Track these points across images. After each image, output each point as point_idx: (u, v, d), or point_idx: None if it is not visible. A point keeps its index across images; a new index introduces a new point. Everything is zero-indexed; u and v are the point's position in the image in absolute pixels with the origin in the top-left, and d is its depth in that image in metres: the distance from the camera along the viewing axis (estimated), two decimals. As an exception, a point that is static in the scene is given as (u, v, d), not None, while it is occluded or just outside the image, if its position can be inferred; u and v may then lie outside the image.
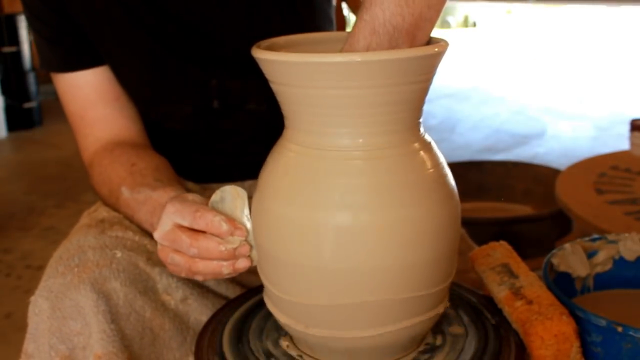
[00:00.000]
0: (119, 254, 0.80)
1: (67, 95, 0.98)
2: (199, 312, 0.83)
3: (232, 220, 0.68)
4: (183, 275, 0.73)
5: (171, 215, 0.71)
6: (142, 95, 0.97)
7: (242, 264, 0.69)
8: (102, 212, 0.91)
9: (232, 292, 0.87)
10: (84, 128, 0.98)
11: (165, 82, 0.95)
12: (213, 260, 0.69)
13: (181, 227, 0.70)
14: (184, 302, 0.83)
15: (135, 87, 0.96)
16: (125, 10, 0.91)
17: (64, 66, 0.96)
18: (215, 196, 0.70)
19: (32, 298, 0.79)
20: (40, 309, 0.77)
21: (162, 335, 0.79)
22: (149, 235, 0.85)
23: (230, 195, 0.70)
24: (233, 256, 0.69)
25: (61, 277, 0.78)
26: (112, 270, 0.78)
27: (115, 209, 0.91)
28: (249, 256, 0.69)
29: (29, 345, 0.78)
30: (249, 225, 0.69)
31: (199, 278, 0.72)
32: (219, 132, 0.98)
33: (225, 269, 0.69)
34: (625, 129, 2.08)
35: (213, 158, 1.01)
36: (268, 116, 0.92)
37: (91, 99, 0.96)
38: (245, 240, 0.69)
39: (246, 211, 0.69)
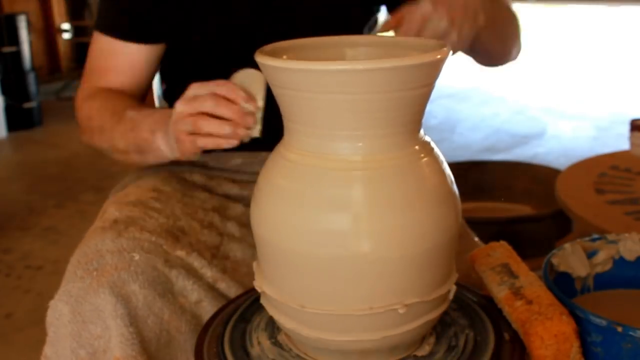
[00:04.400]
0: (136, 257, 0.81)
1: (100, 53, 1.02)
2: None
3: (248, 92, 0.76)
4: (187, 143, 0.79)
5: (191, 90, 0.78)
6: (202, 73, 0.95)
7: (242, 132, 0.76)
8: (113, 211, 0.91)
9: None
10: (92, 80, 1.03)
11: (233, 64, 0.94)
12: (222, 120, 0.76)
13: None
14: (198, 305, 0.83)
15: (200, 64, 1.00)
16: None
17: (126, 34, 0.99)
18: (235, 77, 0.78)
19: (52, 302, 0.79)
20: (60, 313, 0.78)
21: (177, 338, 0.80)
22: (165, 235, 0.86)
23: (249, 77, 0.76)
24: (240, 118, 0.75)
25: (80, 281, 0.78)
26: (131, 273, 0.78)
27: (111, 130, 0.94)
28: (251, 130, 0.77)
29: (48, 350, 0.79)
30: (261, 103, 0.76)
31: (200, 143, 0.78)
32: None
33: (227, 128, 0.75)
34: (625, 129, 2.08)
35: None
36: None
37: (121, 68, 1.01)
38: (254, 115, 0.76)
39: (262, 93, 0.76)
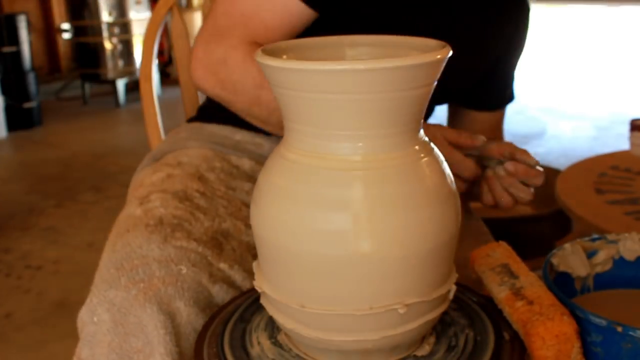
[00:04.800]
0: (184, 270, 0.80)
1: (268, 5, 0.93)
2: None
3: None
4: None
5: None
6: None
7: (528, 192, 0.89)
8: (156, 203, 0.89)
9: None
10: (240, 30, 0.93)
11: None
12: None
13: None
14: None
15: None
16: None
17: None
18: None
19: (88, 301, 0.78)
20: (100, 318, 0.76)
21: None
22: (211, 245, 0.86)
23: None
24: (529, 175, 0.88)
25: (124, 290, 0.76)
26: (178, 288, 0.77)
27: (247, 100, 0.92)
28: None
29: (82, 350, 0.77)
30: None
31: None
32: None
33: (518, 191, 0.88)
34: (625, 129, 2.08)
35: None
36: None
37: (281, 25, 0.93)
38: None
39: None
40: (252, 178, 1.01)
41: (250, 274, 0.88)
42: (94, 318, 0.77)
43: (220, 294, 0.83)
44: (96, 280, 0.81)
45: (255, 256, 0.89)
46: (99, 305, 0.77)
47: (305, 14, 0.94)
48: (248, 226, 0.93)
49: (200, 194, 0.94)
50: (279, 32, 0.93)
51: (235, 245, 0.90)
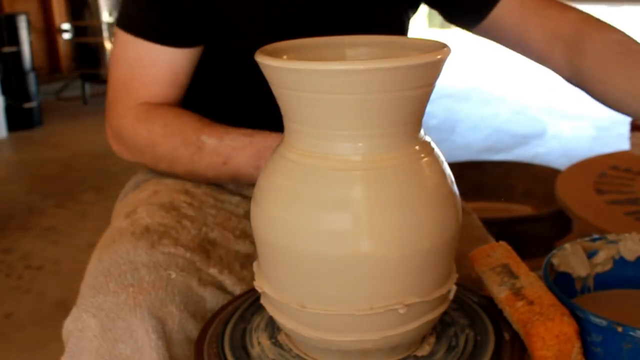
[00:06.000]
0: (173, 275, 0.79)
1: (134, 62, 0.93)
2: None
3: None
4: None
5: None
6: (242, 79, 0.94)
7: None
8: (144, 215, 0.88)
9: None
10: (123, 95, 0.94)
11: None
12: None
13: None
14: None
15: (239, 69, 0.94)
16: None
17: (165, 37, 0.91)
18: None
19: (75, 311, 0.76)
20: (85, 325, 0.73)
21: None
22: (198, 251, 0.85)
23: None
24: None
25: (113, 295, 0.74)
26: (168, 293, 0.76)
27: (189, 160, 0.89)
28: None
29: None
30: None
31: None
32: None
33: None
34: (625, 129, 2.08)
35: None
36: None
37: (159, 76, 0.93)
38: None
39: None
40: (239, 194, 1.00)
41: (240, 281, 0.87)
42: (79, 325, 0.74)
43: (211, 298, 0.81)
44: (82, 290, 0.79)
45: (243, 265, 0.89)
46: (84, 312, 0.74)
47: (179, 56, 0.92)
48: (237, 236, 0.92)
49: (187, 204, 0.92)
50: (161, 85, 0.93)
51: (223, 253, 0.88)
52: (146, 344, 0.72)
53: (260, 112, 0.87)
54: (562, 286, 0.77)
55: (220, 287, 0.85)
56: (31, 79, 4.69)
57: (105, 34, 5.49)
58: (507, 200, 2.35)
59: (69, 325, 0.75)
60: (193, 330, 0.77)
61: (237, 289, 0.86)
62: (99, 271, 0.79)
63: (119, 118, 0.95)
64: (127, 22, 0.93)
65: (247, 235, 0.93)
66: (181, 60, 0.93)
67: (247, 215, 0.93)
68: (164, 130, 0.90)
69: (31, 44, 4.84)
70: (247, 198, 0.99)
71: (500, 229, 1.92)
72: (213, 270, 0.85)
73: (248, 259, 0.90)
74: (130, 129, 0.93)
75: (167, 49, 0.91)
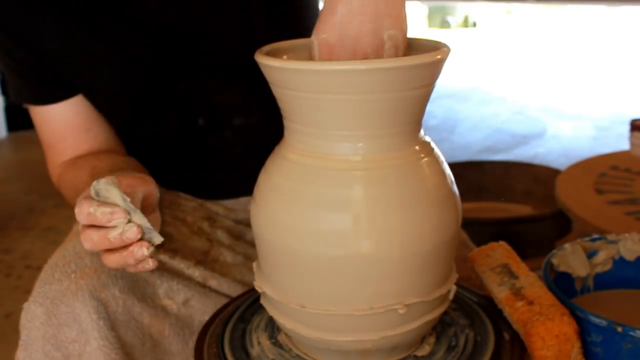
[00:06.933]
0: None
1: (38, 125, 0.96)
2: (202, 313, 0.82)
3: (107, 204, 0.65)
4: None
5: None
6: (124, 118, 0.95)
7: (140, 252, 0.65)
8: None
9: (234, 291, 0.87)
10: (53, 156, 0.97)
11: (145, 104, 0.93)
12: (113, 252, 0.67)
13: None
14: (187, 305, 0.82)
15: (115, 111, 0.94)
16: (96, 34, 0.88)
17: (34, 99, 0.94)
18: (90, 193, 0.67)
19: (25, 305, 0.77)
20: (33, 315, 0.75)
21: (162, 342, 0.79)
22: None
23: (102, 188, 0.66)
24: (122, 242, 0.65)
25: (57, 283, 0.76)
26: (111, 276, 0.77)
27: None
28: (146, 240, 0.66)
29: (20, 354, 0.77)
30: (125, 205, 0.65)
31: (129, 269, 0.70)
32: (208, 149, 0.96)
33: (128, 258, 0.66)
34: (625, 129, 2.08)
35: (204, 175, 0.99)
36: (257, 131, 0.93)
37: (61, 131, 0.94)
38: (130, 221, 0.65)
39: (120, 196, 0.66)
40: (195, 201, 1.00)
41: (197, 264, 0.87)
42: (29, 316, 0.76)
43: (165, 282, 0.81)
44: (34, 287, 0.80)
45: (200, 260, 0.88)
46: (32, 303, 0.76)
47: (64, 109, 0.92)
48: (194, 233, 0.92)
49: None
50: (70, 137, 0.94)
51: (179, 246, 0.88)
52: (89, 325, 0.73)
53: (174, 140, 0.93)
54: (562, 286, 0.77)
55: (174, 271, 0.84)
56: (31, 79, 4.69)
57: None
58: (507, 200, 2.35)
59: (22, 319, 0.77)
60: (142, 313, 0.78)
61: (195, 272, 0.86)
62: (48, 266, 0.81)
63: (51, 177, 0.99)
64: (12, 93, 0.98)
65: (204, 233, 0.93)
66: (70, 111, 0.93)
67: (204, 218, 0.95)
68: (68, 193, 0.91)
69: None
70: (206, 208, 0.99)
71: (500, 229, 1.92)
72: (164, 257, 0.85)
73: (208, 255, 0.91)
74: (57, 185, 0.97)
75: (47, 107, 0.93)
